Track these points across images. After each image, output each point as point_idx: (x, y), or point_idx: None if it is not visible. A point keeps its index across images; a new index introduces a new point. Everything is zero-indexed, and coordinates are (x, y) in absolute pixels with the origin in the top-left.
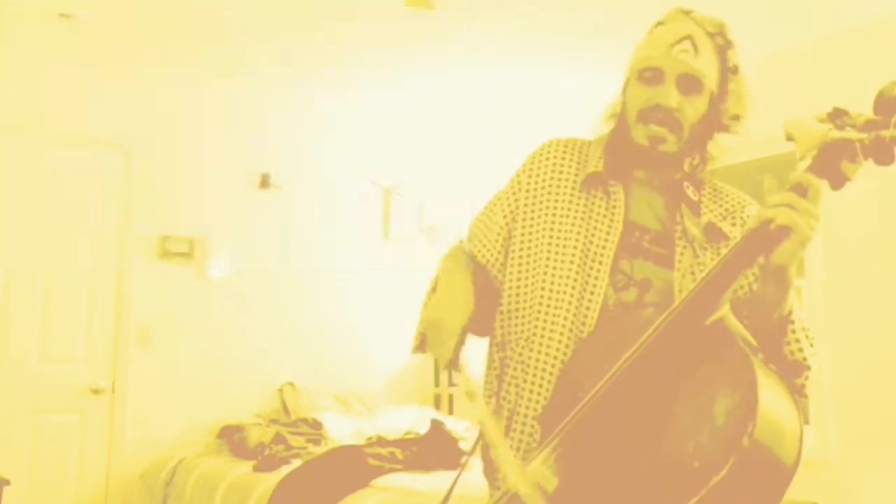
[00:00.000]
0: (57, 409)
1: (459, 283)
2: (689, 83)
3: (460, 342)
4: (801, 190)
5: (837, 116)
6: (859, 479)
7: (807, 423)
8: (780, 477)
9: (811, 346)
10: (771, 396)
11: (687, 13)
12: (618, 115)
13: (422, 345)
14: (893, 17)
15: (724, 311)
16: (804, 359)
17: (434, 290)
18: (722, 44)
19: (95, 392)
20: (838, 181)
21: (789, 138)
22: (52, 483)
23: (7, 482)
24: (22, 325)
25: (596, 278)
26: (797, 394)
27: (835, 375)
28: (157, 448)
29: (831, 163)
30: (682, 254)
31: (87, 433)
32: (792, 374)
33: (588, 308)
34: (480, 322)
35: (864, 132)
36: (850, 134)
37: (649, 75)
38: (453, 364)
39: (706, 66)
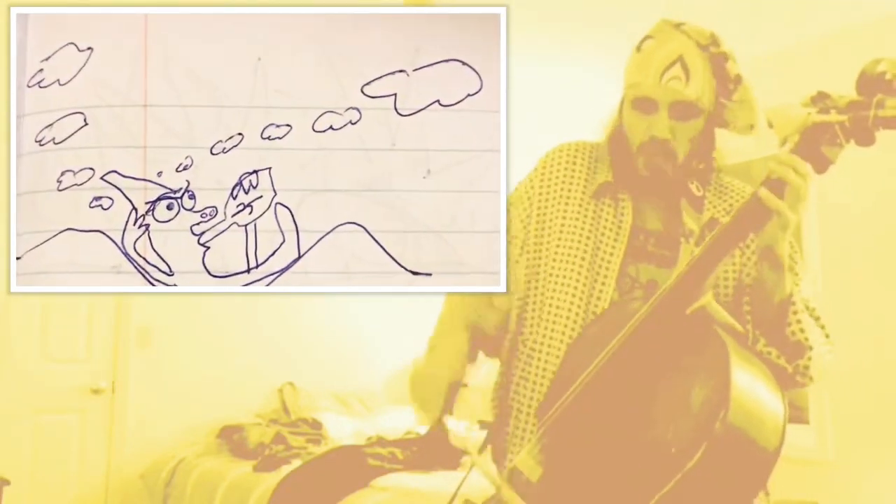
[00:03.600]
0: (57, 409)
1: (453, 344)
2: (681, 110)
3: (448, 400)
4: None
5: (820, 100)
6: (859, 479)
7: (806, 422)
8: (760, 461)
9: (822, 327)
10: (747, 382)
11: (676, 26)
12: (618, 128)
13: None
14: (889, 16)
15: (707, 298)
16: (805, 339)
17: (430, 349)
18: (716, 54)
19: (95, 392)
20: (821, 165)
21: (770, 125)
22: (52, 483)
23: (7, 482)
24: (22, 325)
25: (603, 284)
26: (800, 375)
27: (834, 375)
28: (157, 448)
29: (812, 147)
30: (683, 253)
31: (87, 433)
32: (794, 355)
33: (595, 315)
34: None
35: (846, 114)
36: (831, 117)
37: (642, 104)
38: (437, 424)
39: (699, 88)
